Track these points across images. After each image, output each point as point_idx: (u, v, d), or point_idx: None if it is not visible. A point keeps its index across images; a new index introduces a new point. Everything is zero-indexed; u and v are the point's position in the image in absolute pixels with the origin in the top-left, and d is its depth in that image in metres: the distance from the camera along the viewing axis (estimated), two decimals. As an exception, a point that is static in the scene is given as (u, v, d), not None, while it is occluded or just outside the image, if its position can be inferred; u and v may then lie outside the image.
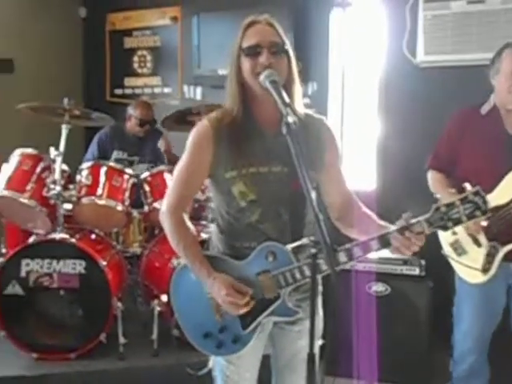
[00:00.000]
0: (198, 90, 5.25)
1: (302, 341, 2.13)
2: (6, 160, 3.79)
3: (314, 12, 4.56)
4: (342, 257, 1.88)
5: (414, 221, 1.84)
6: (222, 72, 4.90)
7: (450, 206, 1.82)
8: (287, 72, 1.99)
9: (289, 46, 2.00)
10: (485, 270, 2.83)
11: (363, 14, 4.55)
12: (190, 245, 2.07)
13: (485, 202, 1.81)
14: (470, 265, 2.86)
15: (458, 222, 1.83)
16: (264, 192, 2.01)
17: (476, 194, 1.81)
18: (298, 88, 2.02)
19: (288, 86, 1.98)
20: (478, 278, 2.86)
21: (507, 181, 2.74)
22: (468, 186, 1.90)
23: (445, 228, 1.84)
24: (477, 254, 2.85)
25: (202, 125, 2.06)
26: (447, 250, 2.95)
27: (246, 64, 1.96)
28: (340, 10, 4.56)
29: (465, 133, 2.93)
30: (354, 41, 4.56)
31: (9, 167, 3.73)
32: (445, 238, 2.93)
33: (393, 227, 1.87)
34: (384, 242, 1.86)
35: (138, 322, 4.01)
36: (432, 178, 3.06)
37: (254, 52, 1.95)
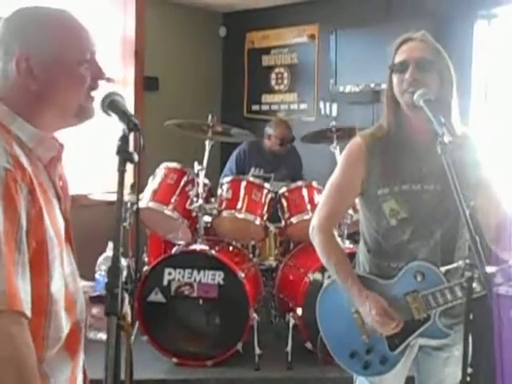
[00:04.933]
0: (334, 106, 5.26)
1: (448, 368, 2.07)
2: (151, 173, 4.01)
3: (456, 25, 4.41)
4: (498, 278, 1.81)
5: None
6: (357, 88, 4.90)
7: None
8: (439, 88, 1.95)
9: (444, 62, 1.96)
10: None
11: (509, 25, 4.35)
12: (341, 261, 2.08)
13: None
14: None
15: None
16: (416, 210, 1.99)
17: None
18: (454, 105, 1.98)
19: (441, 103, 1.94)
20: None
21: None
22: None
23: None
24: None
25: (355, 141, 2.08)
26: None
27: (395, 80, 1.97)
28: (485, 23, 4.39)
29: None
30: (499, 53, 4.37)
31: (155, 180, 3.92)
32: None
33: None
34: None
35: (271, 333, 4.08)
36: None
37: (401, 68, 1.95)
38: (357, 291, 2.00)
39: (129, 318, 1.37)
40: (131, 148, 1.23)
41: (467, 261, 1.63)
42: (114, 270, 1.09)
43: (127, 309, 1.35)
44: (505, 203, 2.07)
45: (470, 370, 2.09)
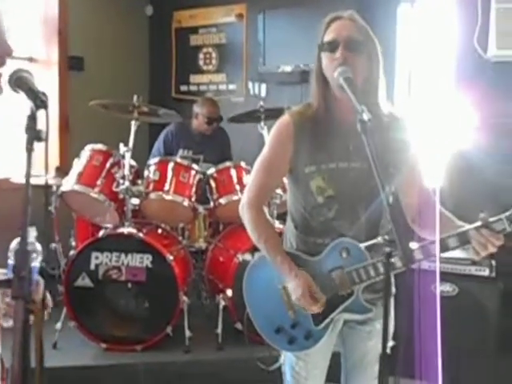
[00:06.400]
0: (263, 86, 5.26)
1: (372, 341, 2.12)
2: (76, 155, 3.90)
3: (380, 7, 4.47)
4: (418, 254, 1.85)
5: (494, 218, 1.79)
6: (286, 69, 4.91)
7: None
8: (368, 68, 1.97)
9: (372, 42, 1.98)
10: None
11: (432, 8, 4.44)
12: (271, 238, 2.08)
13: None
14: None
15: None
16: (342, 188, 2.01)
17: None
18: (381, 85, 1.99)
19: (369, 83, 1.96)
20: None
21: None
22: None
23: None
24: None
25: (284, 119, 2.08)
26: None
27: (325, 59, 1.97)
28: (408, 5, 4.47)
29: None
30: (422, 36, 4.46)
31: (80, 162, 3.83)
32: None
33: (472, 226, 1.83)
34: (462, 239, 1.82)
35: (202, 315, 4.07)
36: None
37: (331, 47, 1.95)
38: (287, 268, 2.00)
39: (50, 304, 1.32)
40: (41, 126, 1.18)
41: (386, 237, 1.66)
42: (20, 252, 1.04)
43: (42, 293, 1.30)
44: (426, 183, 2.12)
45: (392, 343, 2.15)
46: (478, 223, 1.81)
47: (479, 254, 1.82)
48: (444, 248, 1.85)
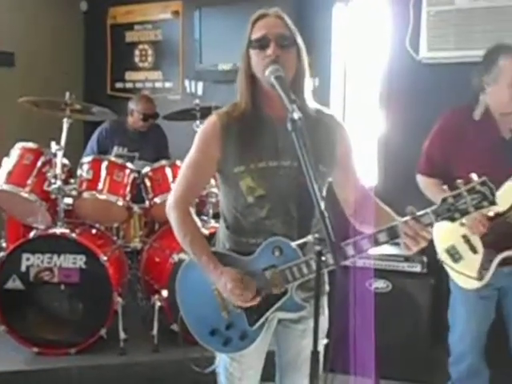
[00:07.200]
0: (200, 84, 5.23)
1: (306, 340, 2.12)
2: (6, 154, 3.78)
3: (316, 7, 4.51)
4: (350, 250, 1.86)
5: (421, 212, 1.82)
6: (223, 67, 4.88)
7: (457, 196, 1.79)
8: (296, 66, 1.97)
9: (299, 39, 1.98)
10: (480, 278, 2.79)
11: (366, 9, 4.52)
12: (197, 238, 2.05)
13: (492, 193, 1.77)
14: (465, 273, 2.81)
15: (465, 212, 1.80)
16: (273, 187, 1.99)
17: (483, 184, 1.77)
18: (307, 82, 2.00)
19: (297, 81, 1.96)
20: (473, 284, 2.81)
21: (505, 188, 2.62)
22: (474, 176, 1.85)
23: (452, 219, 1.81)
24: (472, 262, 2.79)
25: (211, 120, 2.05)
26: (443, 256, 2.89)
27: (254, 57, 1.95)
28: (342, 5, 4.53)
29: (459, 138, 2.80)
30: (356, 36, 4.53)
31: (9, 161, 3.72)
32: (441, 244, 2.89)
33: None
34: (392, 234, 1.83)
35: (138, 317, 4.01)
36: (424, 181, 2.96)
37: (261, 44, 1.93)
38: (212, 267, 1.98)
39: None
40: None
41: (316, 235, 1.66)
42: None
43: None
44: (362, 178, 2.14)
45: (326, 341, 2.17)
46: (406, 218, 1.83)
47: (411, 249, 1.83)
48: (375, 242, 1.87)
